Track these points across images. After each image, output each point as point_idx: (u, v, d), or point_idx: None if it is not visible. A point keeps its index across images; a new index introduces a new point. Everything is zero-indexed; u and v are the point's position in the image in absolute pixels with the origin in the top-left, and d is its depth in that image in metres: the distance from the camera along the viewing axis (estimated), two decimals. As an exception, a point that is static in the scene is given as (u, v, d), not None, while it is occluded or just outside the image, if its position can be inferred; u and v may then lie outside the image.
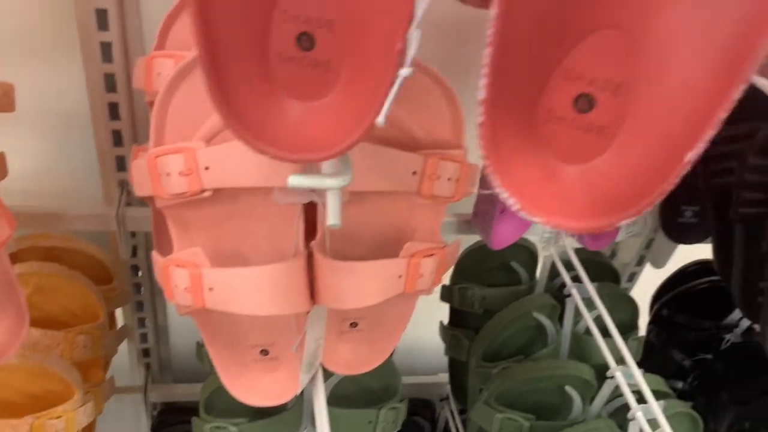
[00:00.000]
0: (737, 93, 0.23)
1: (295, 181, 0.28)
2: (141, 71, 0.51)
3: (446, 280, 0.80)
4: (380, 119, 0.25)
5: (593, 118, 0.27)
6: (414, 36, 0.24)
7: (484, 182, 0.58)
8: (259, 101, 0.27)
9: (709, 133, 0.24)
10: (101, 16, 0.57)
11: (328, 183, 0.28)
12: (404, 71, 0.25)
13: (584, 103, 0.27)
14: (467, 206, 0.71)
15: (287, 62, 0.27)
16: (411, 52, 0.25)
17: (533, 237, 0.79)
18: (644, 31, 0.22)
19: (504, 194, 0.27)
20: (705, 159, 0.67)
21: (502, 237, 0.68)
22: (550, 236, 0.78)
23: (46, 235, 0.67)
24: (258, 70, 0.27)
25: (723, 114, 0.23)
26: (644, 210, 0.26)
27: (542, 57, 0.26)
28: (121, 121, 0.63)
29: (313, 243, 0.44)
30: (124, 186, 0.67)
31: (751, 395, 0.80)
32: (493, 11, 0.25)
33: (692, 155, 0.24)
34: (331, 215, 0.29)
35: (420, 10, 0.24)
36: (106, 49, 0.59)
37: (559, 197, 0.27)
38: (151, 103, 0.50)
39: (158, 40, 0.51)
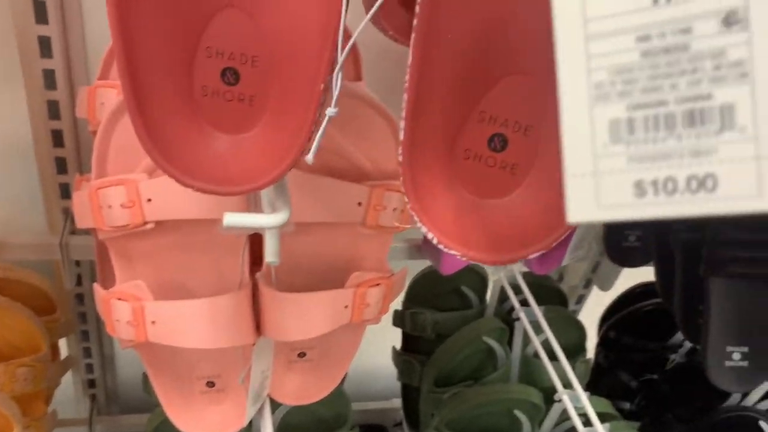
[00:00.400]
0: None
1: (230, 220, 0.28)
2: (84, 101, 0.50)
3: (398, 305, 0.81)
4: (309, 157, 0.26)
5: (506, 157, 0.29)
6: (338, 77, 0.25)
7: None
8: (185, 135, 0.28)
9: None
10: (44, 44, 0.56)
11: (264, 222, 0.28)
12: (330, 110, 0.25)
13: (498, 142, 0.29)
14: (417, 232, 0.71)
15: (212, 96, 0.28)
16: (336, 92, 0.25)
17: (483, 262, 0.80)
18: (550, 76, 0.23)
19: (423, 229, 0.28)
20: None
21: (452, 262, 0.69)
22: (499, 261, 0.79)
23: (-14, 265, 0.65)
24: (183, 104, 0.28)
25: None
26: (552, 244, 0.27)
27: (458, 100, 0.28)
28: (65, 148, 0.62)
29: (258, 274, 0.44)
30: (69, 214, 0.65)
31: (695, 414, 0.82)
32: (409, 59, 0.26)
33: None
34: (269, 253, 0.29)
35: (343, 55, 0.25)
36: (49, 76, 0.58)
37: (475, 231, 0.29)
38: (95, 133, 0.50)
39: (102, 69, 0.51)
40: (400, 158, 0.28)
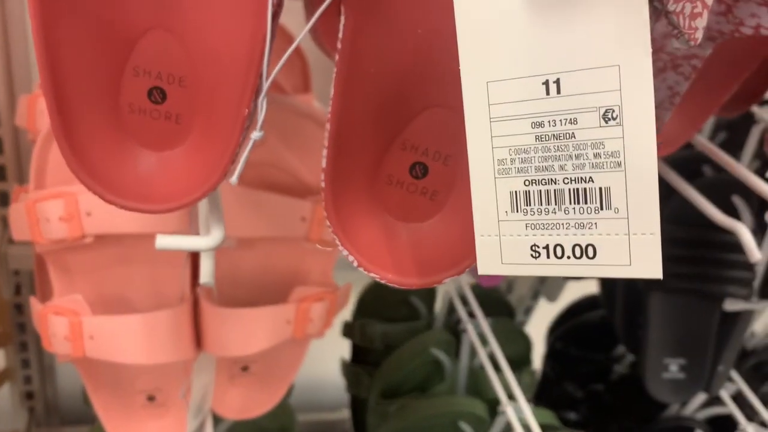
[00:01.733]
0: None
1: (162, 242, 0.28)
2: (24, 110, 0.49)
3: (348, 316, 0.81)
4: (233, 179, 0.26)
5: (427, 184, 0.30)
6: (263, 103, 0.25)
7: None
8: (110, 151, 0.27)
9: None
10: (-16, 49, 0.55)
11: (197, 244, 0.28)
12: (255, 134, 0.26)
13: (419, 170, 0.30)
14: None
15: (138, 114, 0.28)
16: (261, 117, 0.26)
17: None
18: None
19: (344, 252, 0.29)
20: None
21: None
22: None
23: None
24: (109, 121, 0.28)
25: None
26: (467, 268, 0.28)
27: (381, 130, 0.29)
28: (5, 155, 0.60)
29: (199, 288, 0.44)
30: (7, 222, 0.64)
31: (638, 423, 0.84)
32: (332, 90, 0.27)
33: None
34: (204, 274, 0.29)
35: (267, 82, 0.25)
36: (-11, 82, 0.56)
37: (394, 254, 0.30)
38: (36, 142, 0.49)
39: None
40: (323, 184, 0.28)
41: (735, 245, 0.61)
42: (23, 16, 0.56)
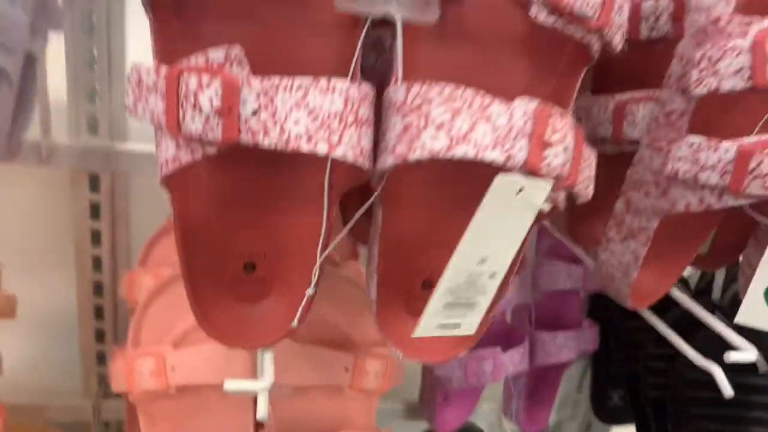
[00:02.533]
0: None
1: (230, 386, 0.37)
2: (126, 284, 0.61)
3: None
4: (294, 323, 0.37)
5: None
6: (317, 273, 0.37)
7: None
8: (221, 308, 0.39)
9: None
10: (95, 235, 0.68)
11: (253, 387, 0.37)
12: (309, 290, 0.37)
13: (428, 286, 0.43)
14: (413, 393, 0.78)
15: (238, 282, 0.40)
16: (314, 279, 0.38)
17: (479, 421, 0.85)
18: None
19: (393, 349, 0.40)
20: (617, 348, 0.77)
21: (446, 423, 0.75)
22: (493, 421, 0.85)
23: (23, 427, 0.73)
24: (220, 287, 0.39)
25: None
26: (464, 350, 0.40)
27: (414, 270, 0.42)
28: (105, 321, 0.72)
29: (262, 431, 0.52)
30: (102, 379, 0.74)
31: None
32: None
33: None
34: (260, 411, 0.38)
35: (321, 257, 0.37)
36: (97, 261, 0.69)
37: (430, 342, 0.41)
38: (132, 311, 0.60)
39: (142, 256, 0.62)
40: (374, 307, 0.40)
41: (754, 387, 0.65)
42: (126, 207, 0.70)
